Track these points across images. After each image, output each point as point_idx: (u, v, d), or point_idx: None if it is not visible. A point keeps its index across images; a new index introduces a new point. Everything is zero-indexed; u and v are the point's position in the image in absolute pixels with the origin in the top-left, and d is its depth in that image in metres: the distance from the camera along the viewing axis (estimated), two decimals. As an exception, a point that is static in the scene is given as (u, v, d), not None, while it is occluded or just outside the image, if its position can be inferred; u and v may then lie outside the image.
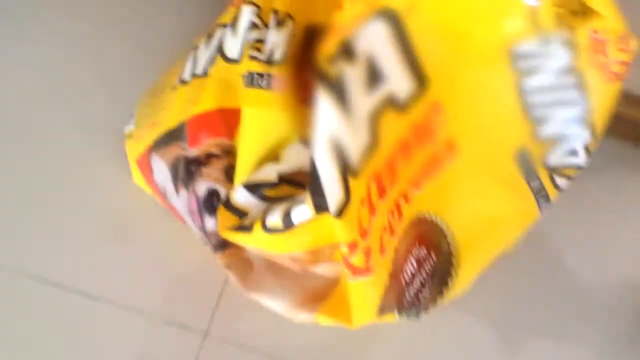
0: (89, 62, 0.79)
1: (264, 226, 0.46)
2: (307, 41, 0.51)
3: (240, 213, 0.49)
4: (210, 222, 0.53)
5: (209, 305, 0.70)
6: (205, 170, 0.53)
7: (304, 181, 0.47)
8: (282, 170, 0.49)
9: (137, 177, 0.68)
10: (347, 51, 0.43)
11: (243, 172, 0.50)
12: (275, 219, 0.46)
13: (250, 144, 0.50)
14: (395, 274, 0.48)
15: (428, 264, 0.49)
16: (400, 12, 0.44)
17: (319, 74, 0.43)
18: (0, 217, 0.71)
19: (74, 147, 0.75)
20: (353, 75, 0.43)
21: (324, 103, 0.42)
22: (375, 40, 0.44)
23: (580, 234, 0.73)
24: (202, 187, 0.53)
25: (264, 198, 0.49)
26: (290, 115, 0.49)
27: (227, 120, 0.52)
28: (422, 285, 0.49)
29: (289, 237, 0.46)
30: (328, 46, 0.42)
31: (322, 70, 0.43)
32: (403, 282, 0.48)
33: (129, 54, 0.78)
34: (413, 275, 0.49)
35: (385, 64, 0.44)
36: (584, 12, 0.45)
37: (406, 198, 0.48)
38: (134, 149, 0.66)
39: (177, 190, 0.57)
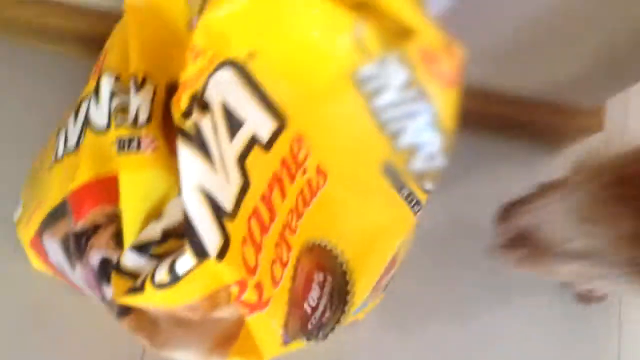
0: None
1: (153, 283, 0.47)
2: (170, 98, 0.53)
3: (133, 276, 0.50)
4: (107, 291, 0.53)
5: None
6: (95, 240, 0.53)
7: (183, 233, 0.49)
8: (165, 226, 0.50)
9: (35, 262, 0.68)
10: (199, 103, 0.45)
11: (130, 235, 0.51)
12: (161, 274, 0.46)
13: (132, 207, 0.51)
14: (296, 302, 0.50)
15: (327, 286, 0.51)
16: (242, 61, 0.47)
17: (177, 129, 0.45)
18: None
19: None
20: (210, 125, 0.46)
21: (185, 155, 0.44)
22: (225, 88, 0.47)
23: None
24: (94, 258, 0.53)
25: (152, 256, 0.50)
26: (166, 172, 0.51)
27: (105, 188, 0.53)
28: (325, 307, 0.51)
29: (179, 288, 0.46)
30: (179, 102, 0.45)
31: (178, 125, 0.45)
32: (308, 308, 0.50)
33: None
34: (318, 300, 0.51)
35: (240, 109, 0.47)
36: (405, 32, 0.50)
37: (290, 229, 0.50)
38: (25, 233, 0.65)
39: (72, 266, 0.57)
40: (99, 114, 0.53)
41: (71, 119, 0.57)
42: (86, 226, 0.54)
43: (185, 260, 0.45)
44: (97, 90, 0.54)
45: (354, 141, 0.53)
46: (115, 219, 0.53)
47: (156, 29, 0.54)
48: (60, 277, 0.64)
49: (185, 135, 0.45)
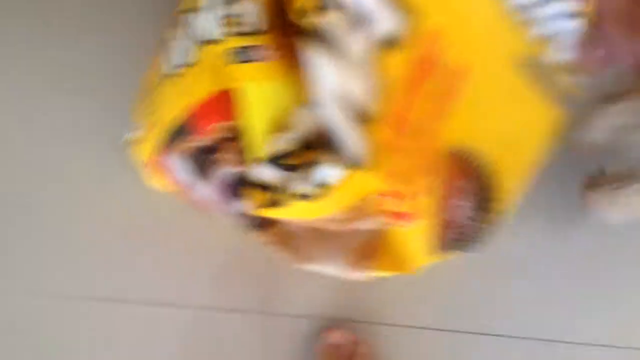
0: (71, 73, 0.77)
1: (297, 195, 0.46)
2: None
3: (267, 188, 0.48)
4: (238, 205, 0.52)
5: (257, 285, 0.72)
6: (220, 155, 0.52)
7: (322, 142, 0.46)
8: (298, 136, 0.47)
9: (150, 180, 0.68)
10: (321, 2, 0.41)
11: (257, 147, 0.48)
12: (306, 185, 0.45)
13: (255, 119, 0.48)
14: (441, 210, 0.47)
15: (471, 192, 0.49)
16: None
17: (300, 30, 0.42)
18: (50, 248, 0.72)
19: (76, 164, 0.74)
20: (336, 24, 0.42)
21: (315, 58, 0.41)
22: None
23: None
24: (221, 172, 0.52)
25: (287, 168, 0.47)
26: (287, 81, 0.47)
27: (224, 102, 0.50)
28: (471, 214, 0.49)
29: (325, 199, 0.45)
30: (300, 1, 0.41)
31: (301, 26, 0.41)
32: (454, 215, 0.48)
33: (111, 63, 0.76)
34: (463, 207, 0.49)
35: (368, 5, 0.42)
36: None
37: (432, 133, 0.47)
38: (142, 152, 0.64)
39: (197, 182, 0.56)
40: (208, 24, 0.49)
41: (178, 31, 0.53)
42: (209, 141, 0.52)
43: (331, 170, 0.43)
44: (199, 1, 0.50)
45: (489, 35, 0.48)
46: (237, 132, 0.51)
47: None
48: (180, 193, 0.64)
49: (311, 36, 0.41)
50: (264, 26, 0.47)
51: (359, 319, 0.69)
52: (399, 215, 0.44)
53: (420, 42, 0.45)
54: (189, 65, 0.51)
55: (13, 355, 0.68)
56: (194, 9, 0.51)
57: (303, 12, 0.42)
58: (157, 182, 0.67)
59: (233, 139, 0.51)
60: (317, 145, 0.46)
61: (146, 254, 0.71)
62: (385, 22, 0.43)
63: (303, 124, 0.47)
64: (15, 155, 0.73)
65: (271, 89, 0.48)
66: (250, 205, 0.49)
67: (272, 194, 0.48)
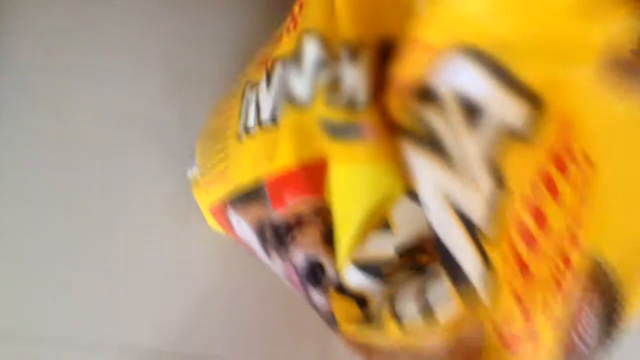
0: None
1: (396, 318, 0.38)
2: (383, 64, 0.39)
3: (357, 298, 0.41)
4: (317, 297, 0.45)
5: (319, 342, 0.66)
6: (299, 237, 0.45)
7: (425, 249, 0.39)
8: (400, 242, 0.39)
9: (212, 222, 0.63)
10: (425, 96, 0.34)
11: (346, 242, 0.41)
12: (410, 309, 0.37)
13: (348, 208, 0.41)
14: (565, 331, 0.40)
15: (597, 309, 0.41)
16: (483, 45, 0.34)
17: (399, 127, 0.35)
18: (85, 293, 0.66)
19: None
20: (441, 118, 0.34)
21: (419, 160, 0.34)
22: (459, 73, 0.34)
23: None
24: (299, 257, 0.45)
25: (382, 276, 0.40)
26: (388, 167, 0.39)
27: (310, 176, 0.43)
28: (594, 332, 0.42)
29: (433, 328, 0.37)
30: (399, 95, 0.34)
31: (401, 123, 0.35)
32: (577, 336, 0.40)
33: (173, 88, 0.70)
34: (588, 325, 0.41)
35: (482, 95, 0.34)
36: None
37: (571, 239, 0.39)
38: (204, 197, 0.59)
39: (268, 255, 0.50)
40: (301, 84, 0.42)
41: (263, 83, 0.46)
42: (288, 218, 0.46)
43: (442, 293, 0.36)
44: (298, 56, 0.42)
45: (621, 125, 0.41)
46: (323, 214, 0.44)
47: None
48: (243, 246, 0.59)
49: (413, 135, 0.34)
50: (366, 99, 0.39)
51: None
52: (511, 339, 0.37)
53: (548, 130, 0.38)
54: (274, 123, 0.45)
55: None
56: (286, 60, 0.44)
57: (401, 107, 0.35)
58: (216, 226, 0.62)
59: (315, 219, 0.44)
60: (425, 254, 0.39)
61: (208, 307, 0.65)
62: (502, 111, 0.35)
63: (407, 223, 0.39)
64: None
65: (372, 173, 0.40)
66: (336, 315, 0.42)
67: (363, 307, 0.41)
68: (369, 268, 0.40)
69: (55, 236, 0.65)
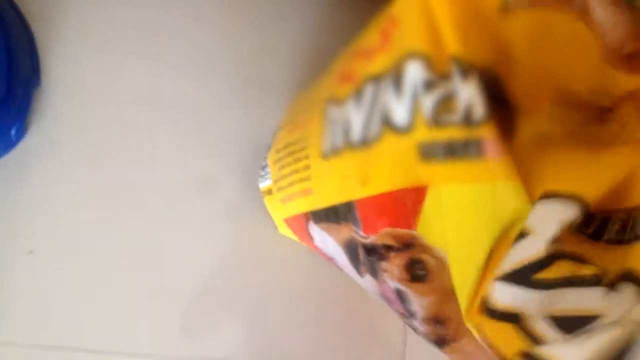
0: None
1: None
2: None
3: (514, 318, 0.37)
4: (415, 323, 0.45)
5: (397, 344, 0.66)
6: (387, 266, 0.44)
7: (581, 250, 0.37)
8: (547, 240, 0.35)
9: (285, 230, 0.61)
10: None
11: (473, 273, 0.38)
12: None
13: (467, 233, 0.39)
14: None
15: None
16: None
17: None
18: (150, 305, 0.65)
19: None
20: None
21: None
22: None
23: None
24: (391, 284, 0.44)
25: (537, 285, 0.36)
26: (516, 183, 0.37)
27: (405, 204, 0.41)
28: None
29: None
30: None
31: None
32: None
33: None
34: None
35: None
36: None
37: None
38: (279, 208, 0.57)
39: (359, 273, 0.49)
40: (400, 107, 0.39)
41: (351, 101, 0.44)
42: (377, 244, 0.45)
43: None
44: (397, 77, 0.39)
45: None
46: (410, 245, 0.42)
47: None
48: (320, 255, 0.57)
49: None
50: (486, 113, 0.37)
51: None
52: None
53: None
54: (366, 144, 0.42)
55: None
56: (379, 78, 0.41)
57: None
58: (289, 234, 0.61)
59: (401, 251, 0.42)
60: (578, 254, 0.36)
61: (275, 316, 0.65)
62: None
63: (550, 223, 0.36)
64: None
65: (493, 193, 0.38)
66: (501, 347, 0.38)
67: (516, 326, 0.36)
68: (516, 277, 0.36)
69: (111, 239, 0.65)
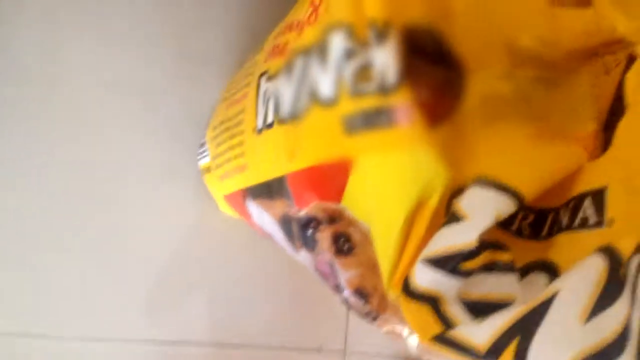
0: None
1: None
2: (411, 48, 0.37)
3: (431, 300, 0.37)
4: (348, 298, 0.45)
5: (339, 324, 0.67)
6: (317, 237, 0.43)
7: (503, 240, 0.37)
8: (480, 229, 0.35)
9: (225, 207, 0.61)
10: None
11: (394, 244, 0.38)
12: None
13: (386, 204, 0.38)
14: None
15: None
16: None
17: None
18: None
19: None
20: None
21: None
22: None
23: None
24: (325, 257, 0.44)
25: (460, 273, 0.36)
26: (430, 152, 0.36)
27: (330, 178, 0.41)
28: None
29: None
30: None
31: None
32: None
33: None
34: None
35: None
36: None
37: None
38: (218, 186, 0.57)
39: (295, 248, 0.49)
40: (326, 80, 0.39)
41: (282, 75, 0.44)
42: (308, 217, 0.44)
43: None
44: (322, 49, 0.39)
45: None
46: (337, 219, 0.42)
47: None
48: (259, 231, 0.57)
49: None
50: (398, 79, 0.36)
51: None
52: None
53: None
54: (295, 118, 0.42)
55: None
56: (307, 51, 0.41)
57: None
58: (230, 211, 0.61)
59: (329, 224, 0.42)
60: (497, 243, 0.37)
61: (226, 292, 0.65)
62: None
63: (483, 212, 0.36)
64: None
65: (407, 161, 0.37)
66: (413, 326, 0.38)
67: (433, 308, 0.36)
68: (442, 263, 0.36)
69: (54, 221, 0.64)
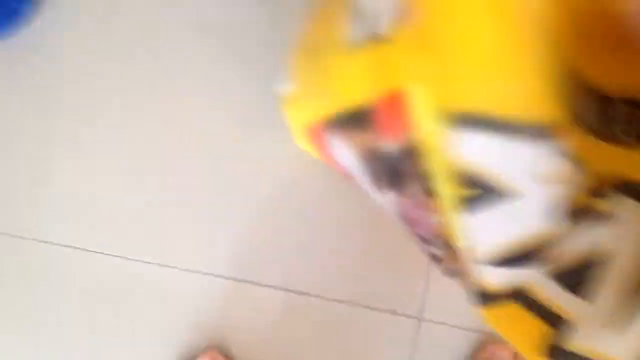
0: None
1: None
2: None
3: (517, 295, 0.30)
4: (440, 251, 0.38)
5: (417, 289, 0.60)
6: (411, 174, 0.36)
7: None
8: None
9: (302, 141, 0.56)
10: None
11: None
12: None
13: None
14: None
15: None
16: None
17: None
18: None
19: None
20: None
21: None
22: None
23: None
24: (419, 198, 0.38)
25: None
26: None
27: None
28: None
29: None
30: None
31: None
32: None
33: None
34: None
35: None
36: None
37: None
38: (299, 115, 0.52)
39: (379, 190, 0.43)
40: None
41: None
42: (397, 149, 0.37)
43: None
44: None
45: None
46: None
47: None
48: (337, 169, 0.51)
49: None
50: None
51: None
52: None
53: None
54: (383, 37, 0.35)
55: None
56: None
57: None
58: (307, 146, 0.55)
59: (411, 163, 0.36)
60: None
61: (293, 236, 0.60)
62: None
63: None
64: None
65: None
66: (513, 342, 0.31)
67: (529, 303, 0.30)
68: (519, 258, 0.30)
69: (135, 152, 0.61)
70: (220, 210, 0.59)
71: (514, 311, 0.30)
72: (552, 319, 0.29)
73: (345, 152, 0.45)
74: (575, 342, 0.28)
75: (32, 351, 0.59)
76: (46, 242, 0.59)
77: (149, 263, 0.59)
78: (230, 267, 0.58)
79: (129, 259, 0.59)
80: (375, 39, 0.36)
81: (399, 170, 0.37)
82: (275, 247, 0.58)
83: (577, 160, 0.28)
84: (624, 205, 0.28)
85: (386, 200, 0.41)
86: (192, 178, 0.59)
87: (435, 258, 0.40)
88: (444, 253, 0.37)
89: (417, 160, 0.36)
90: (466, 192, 0.31)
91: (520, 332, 0.30)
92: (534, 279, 0.29)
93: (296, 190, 0.59)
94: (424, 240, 0.39)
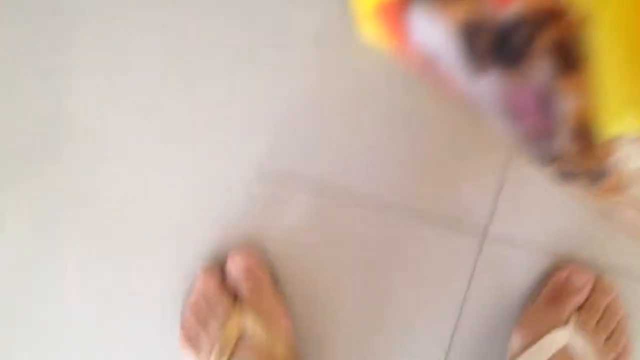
0: None
1: None
2: None
3: None
4: (559, 140, 0.32)
5: (487, 198, 0.55)
6: (533, 46, 0.31)
7: None
8: None
9: (370, 29, 0.49)
10: None
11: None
12: None
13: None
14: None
15: None
16: None
17: None
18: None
19: None
20: None
21: None
22: None
23: None
24: (539, 78, 0.32)
25: None
26: None
27: None
28: None
29: None
30: None
31: None
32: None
33: None
34: None
35: None
36: None
37: None
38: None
39: (476, 71, 0.36)
40: None
41: None
42: (518, 20, 0.31)
43: None
44: None
45: None
46: (556, 20, 0.29)
47: None
48: (411, 60, 0.45)
49: None
50: None
51: (610, 270, 0.52)
52: None
53: None
54: None
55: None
56: None
57: None
58: (376, 37, 0.49)
59: (552, 26, 0.29)
60: None
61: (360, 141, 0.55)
62: None
63: None
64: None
65: None
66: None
67: None
68: None
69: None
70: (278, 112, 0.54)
71: None
72: None
73: (431, 32, 0.38)
74: None
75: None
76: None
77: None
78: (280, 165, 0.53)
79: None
80: None
81: (516, 43, 0.31)
82: (335, 146, 0.54)
83: None
84: None
85: (481, 88, 0.35)
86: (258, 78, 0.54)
87: (544, 158, 0.34)
88: (569, 149, 0.31)
89: (557, 26, 0.29)
90: None
91: None
92: None
93: (360, 86, 0.53)
94: (532, 136, 0.33)
